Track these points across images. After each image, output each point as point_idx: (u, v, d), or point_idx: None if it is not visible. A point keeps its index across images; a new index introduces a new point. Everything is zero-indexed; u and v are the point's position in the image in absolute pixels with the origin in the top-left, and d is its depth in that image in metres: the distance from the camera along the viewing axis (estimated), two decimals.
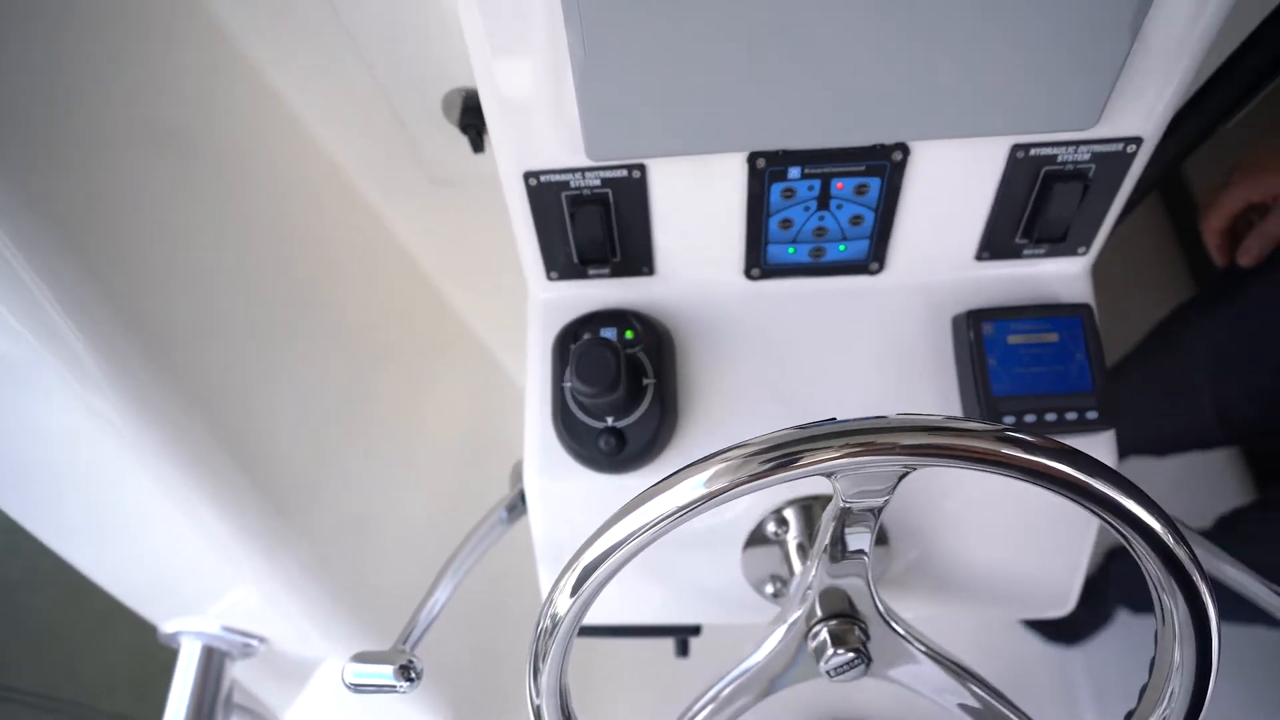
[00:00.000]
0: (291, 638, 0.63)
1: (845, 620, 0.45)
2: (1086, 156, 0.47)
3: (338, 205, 0.67)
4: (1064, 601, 0.59)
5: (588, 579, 0.35)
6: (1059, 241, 0.51)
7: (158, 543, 0.54)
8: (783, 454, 0.32)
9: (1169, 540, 0.32)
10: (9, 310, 0.41)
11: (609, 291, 0.56)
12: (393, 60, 0.55)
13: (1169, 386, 0.96)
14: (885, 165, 0.48)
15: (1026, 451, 0.31)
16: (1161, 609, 0.37)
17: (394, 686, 0.46)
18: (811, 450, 0.31)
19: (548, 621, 0.37)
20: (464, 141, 0.62)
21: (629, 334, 0.53)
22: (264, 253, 0.61)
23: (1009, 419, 0.49)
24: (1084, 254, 0.53)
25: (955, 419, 0.32)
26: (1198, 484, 1.39)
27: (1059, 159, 0.47)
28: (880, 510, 0.37)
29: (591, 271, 0.55)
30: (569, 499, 0.55)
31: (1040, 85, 0.42)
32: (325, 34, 0.52)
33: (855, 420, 0.32)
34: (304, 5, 0.50)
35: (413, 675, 0.46)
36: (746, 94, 0.43)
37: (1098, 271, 0.55)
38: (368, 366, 0.70)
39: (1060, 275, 0.54)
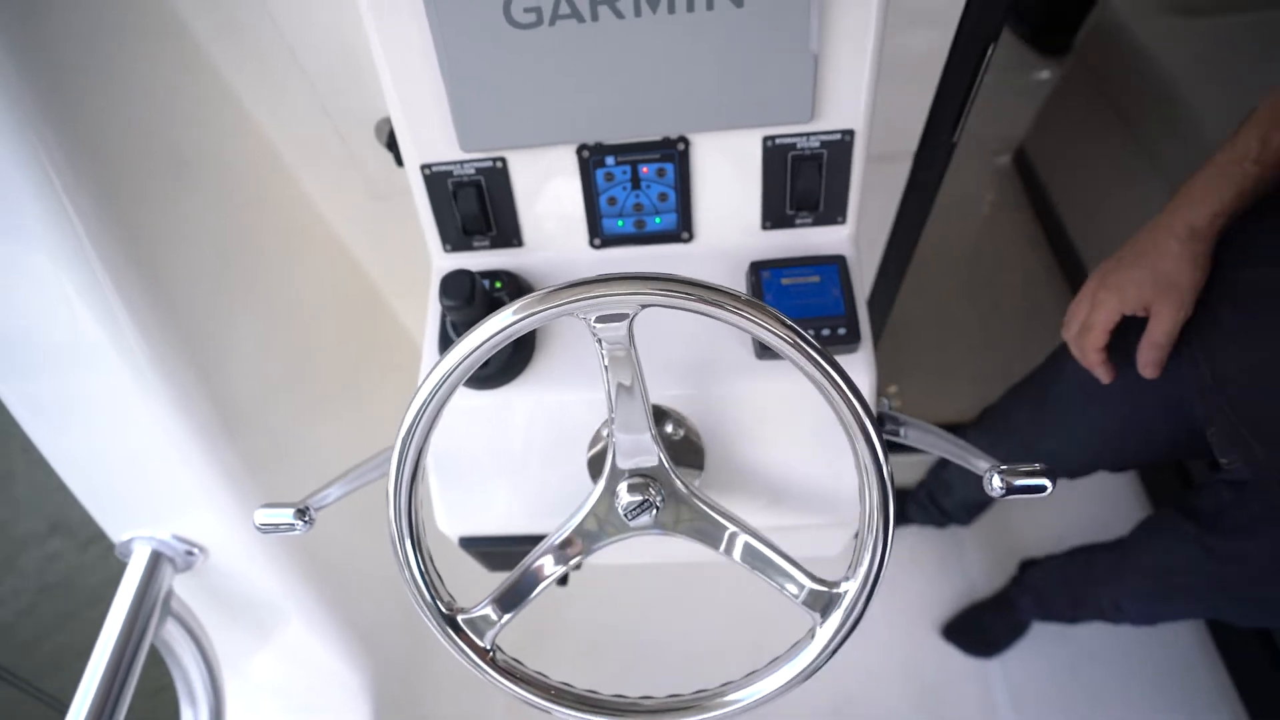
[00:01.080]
0: (226, 550, 0.76)
1: (641, 477, 0.58)
2: (817, 144, 0.65)
3: (297, 213, 0.86)
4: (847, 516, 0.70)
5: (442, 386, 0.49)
6: (817, 210, 0.69)
7: (126, 447, 0.68)
8: (554, 301, 0.47)
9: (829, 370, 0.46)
10: (57, 259, 0.58)
11: (489, 259, 0.74)
12: (336, 94, 0.76)
13: (1048, 414, 1.02)
14: (675, 153, 0.66)
15: (720, 301, 0.46)
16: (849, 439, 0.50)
17: (292, 526, 0.58)
18: (571, 299, 0.47)
19: (405, 430, 0.50)
20: (392, 160, 0.82)
21: (498, 285, 0.70)
22: (239, 239, 0.79)
23: None
24: (843, 223, 0.70)
25: (660, 274, 0.47)
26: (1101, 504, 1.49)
27: (799, 146, 0.65)
28: (630, 344, 0.50)
29: (475, 243, 0.73)
30: (454, 413, 0.69)
31: (769, 91, 0.61)
32: (290, 74, 0.73)
33: (596, 277, 0.47)
34: (272, 49, 0.71)
35: (307, 519, 0.59)
36: (572, 101, 0.63)
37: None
38: (312, 334, 0.87)
39: (826, 239, 0.71)
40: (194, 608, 0.77)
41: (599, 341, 0.51)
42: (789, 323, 0.46)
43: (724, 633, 1.42)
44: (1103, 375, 0.74)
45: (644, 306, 0.48)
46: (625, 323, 0.49)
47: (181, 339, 0.68)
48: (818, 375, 0.47)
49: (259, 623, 0.83)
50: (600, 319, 0.49)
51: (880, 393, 0.71)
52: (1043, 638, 1.40)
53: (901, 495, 1.58)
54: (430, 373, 0.50)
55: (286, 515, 0.59)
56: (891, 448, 0.57)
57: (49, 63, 0.57)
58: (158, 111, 0.70)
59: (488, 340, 0.47)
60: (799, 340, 0.46)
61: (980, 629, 1.44)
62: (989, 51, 0.70)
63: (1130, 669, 1.36)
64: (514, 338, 0.48)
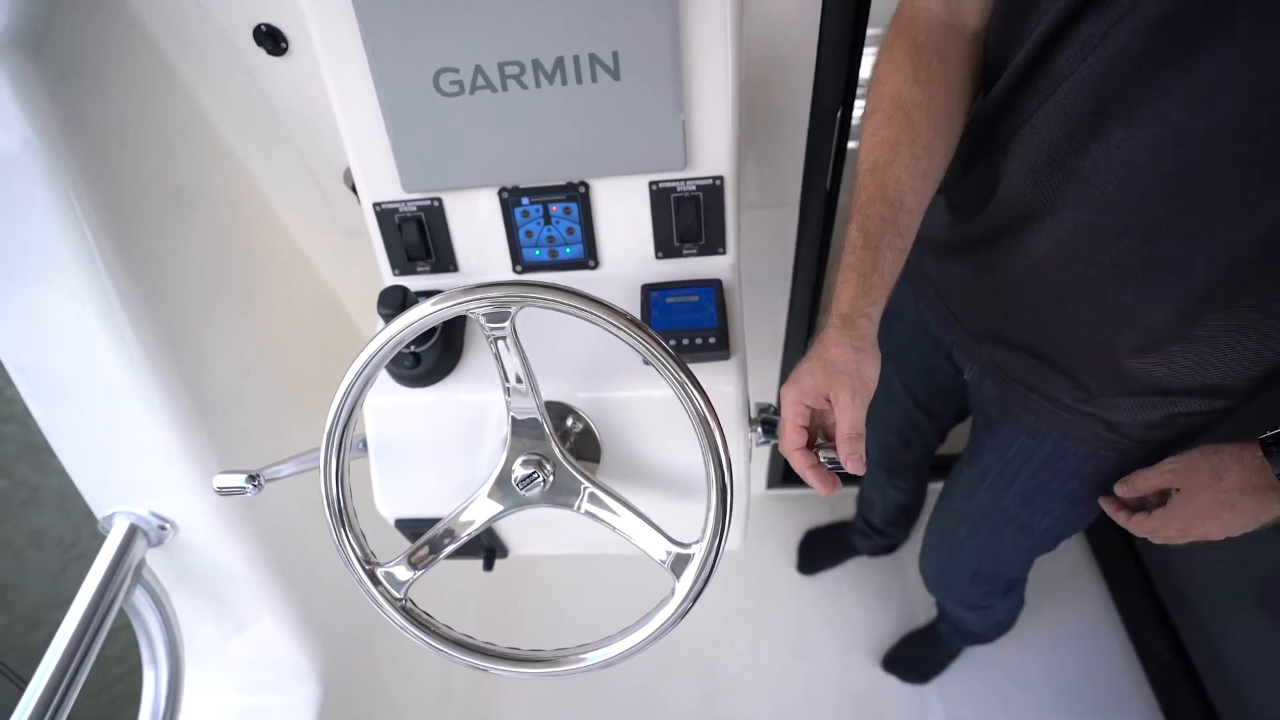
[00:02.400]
0: (194, 526, 0.87)
1: (535, 455, 0.69)
2: (694, 188, 0.79)
3: (276, 243, 1.02)
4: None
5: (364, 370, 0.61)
6: (700, 242, 0.82)
7: (116, 430, 0.81)
8: (452, 302, 0.60)
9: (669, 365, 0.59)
10: (78, 269, 0.73)
11: (430, 281, 0.87)
12: (311, 146, 0.92)
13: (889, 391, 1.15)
14: (578, 195, 0.80)
15: (574, 302, 0.59)
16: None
17: (244, 489, 0.70)
18: (461, 302, 0.60)
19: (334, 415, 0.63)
20: (355, 201, 0.98)
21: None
22: (223, 265, 0.94)
23: None
24: (724, 253, 0.83)
25: (535, 281, 0.60)
26: None
27: (678, 189, 0.79)
28: (511, 337, 0.63)
29: (418, 268, 0.87)
30: (388, 409, 0.82)
31: (648, 144, 0.76)
32: (273, 130, 0.89)
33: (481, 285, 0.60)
34: (258, 110, 0.88)
35: (257, 484, 0.71)
36: (492, 152, 0.77)
37: None
38: (283, 345, 1.01)
39: (710, 266, 0.84)
40: (163, 581, 0.88)
41: (490, 339, 0.63)
42: (609, 304, 0.58)
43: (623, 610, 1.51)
44: (817, 484, 0.65)
45: (521, 307, 0.61)
46: (508, 321, 0.62)
47: (171, 341, 0.82)
48: (637, 344, 0.59)
49: (220, 598, 0.94)
50: (489, 317, 0.62)
51: (765, 410, 0.83)
52: (974, 661, 1.46)
53: (843, 527, 1.66)
54: (358, 356, 0.62)
55: (239, 479, 0.71)
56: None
57: (81, 122, 0.73)
58: (164, 160, 0.86)
59: (400, 333, 0.60)
60: (616, 317, 0.58)
61: (915, 657, 1.51)
62: (839, 115, 0.85)
63: (1059, 687, 1.41)
64: (420, 331, 0.61)
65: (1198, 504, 0.70)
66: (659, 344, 0.59)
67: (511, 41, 0.71)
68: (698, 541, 0.66)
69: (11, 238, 0.71)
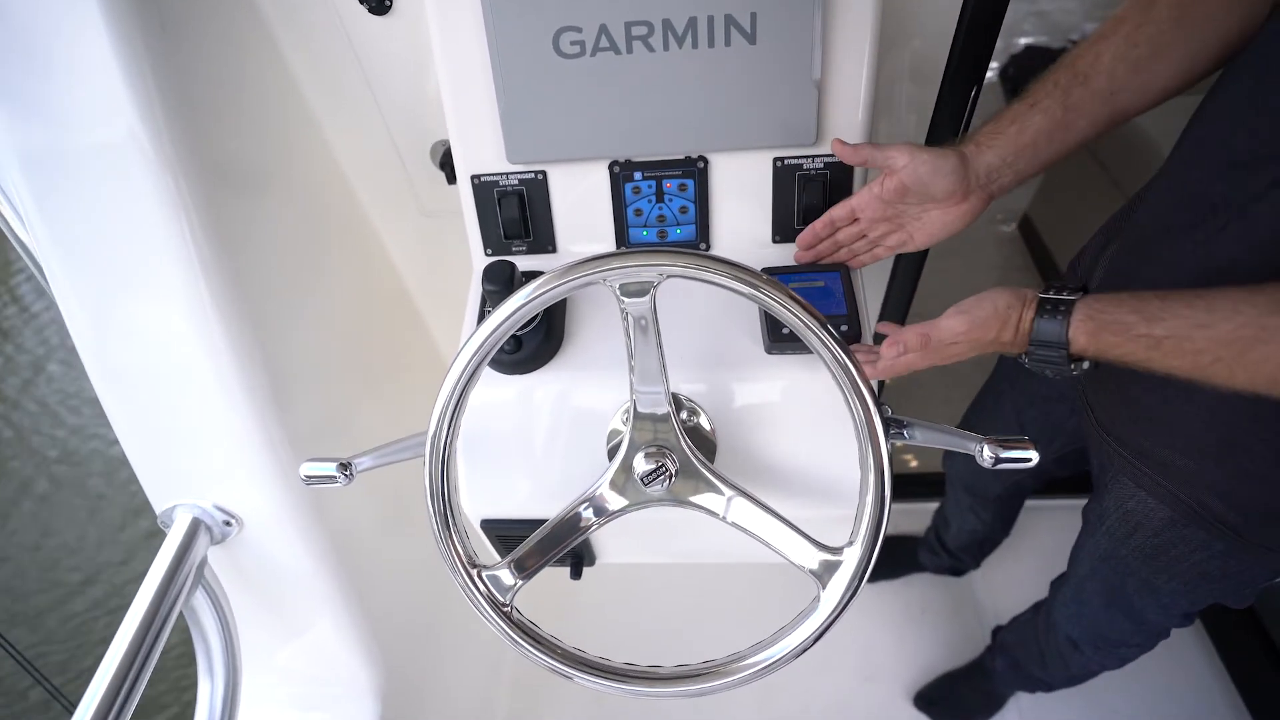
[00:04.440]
0: (260, 523, 0.80)
1: (657, 447, 0.63)
2: (821, 165, 0.73)
3: (354, 225, 0.96)
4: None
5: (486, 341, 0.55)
6: None
7: (186, 415, 0.74)
8: (584, 271, 0.54)
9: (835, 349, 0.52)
10: (177, 263, 0.67)
11: (526, 262, 0.81)
12: (400, 118, 0.86)
13: (988, 399, 1.10)
14: (695, 170, 0.74)
15: (739, 275, 0.52)
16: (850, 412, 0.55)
17: (334, 478, 0.63)
18: (598, 269, 0.53)
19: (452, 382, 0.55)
20: (443, 180, 0.92)
21: None
22: (301, 250, 0.88)
23: (785, 332, 0.70)
24: None
25: (689, 251, 0.54)
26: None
27: (804, 167, 0.73)
28: (652, 316, 0.56)
29: (514, 248, 0.80)
30: (485, 396, 0.75)
31: (778, 117, 0.70)
32: (364, 101, 0.84)
33: (621, 251, 0.54)
34: (351, 79, 0.82)
35: (350, 473, 0.64)
36: (606, 122, 0.72)
37: None
38: (356, 330, 0.94)
39: None
40: (223, 581, 0.81)
41: (625, 314, 0.57)
42: (788, 290, 0.52)
43: (738, 622, 1.43)
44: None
45: (667, 276, 0.54)
46: (649, 295, 0.55)
47: (253, 326, 0.75)
48: (811, 335, 0.53)
49: (282, 604, 0.86)
50: (625, 289, 0.55)
51: (882, 400, 0.76)
52: (1024, 709, 1.36)
53: (912, 542, 1.58)
54: (479, 329, 0.55)
55: (330, 468, 0.64)
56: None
57: (186, 103, 0.68)
58: (256, 136, 0.81)
59: (531, 300, 0.54)
60: (790, 301, 0.52)
61: (955, 699, 1.41)
62: (974, 94, 0.79)
63: None
64: (550, 303, 0.55)
65: (971, 320, 0.64)
66: (829, 331, 0.52)
67: (642, 0, 0.65)
68: (849, 545, 0.59)
69: (107, 219, 0.66)
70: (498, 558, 0.64)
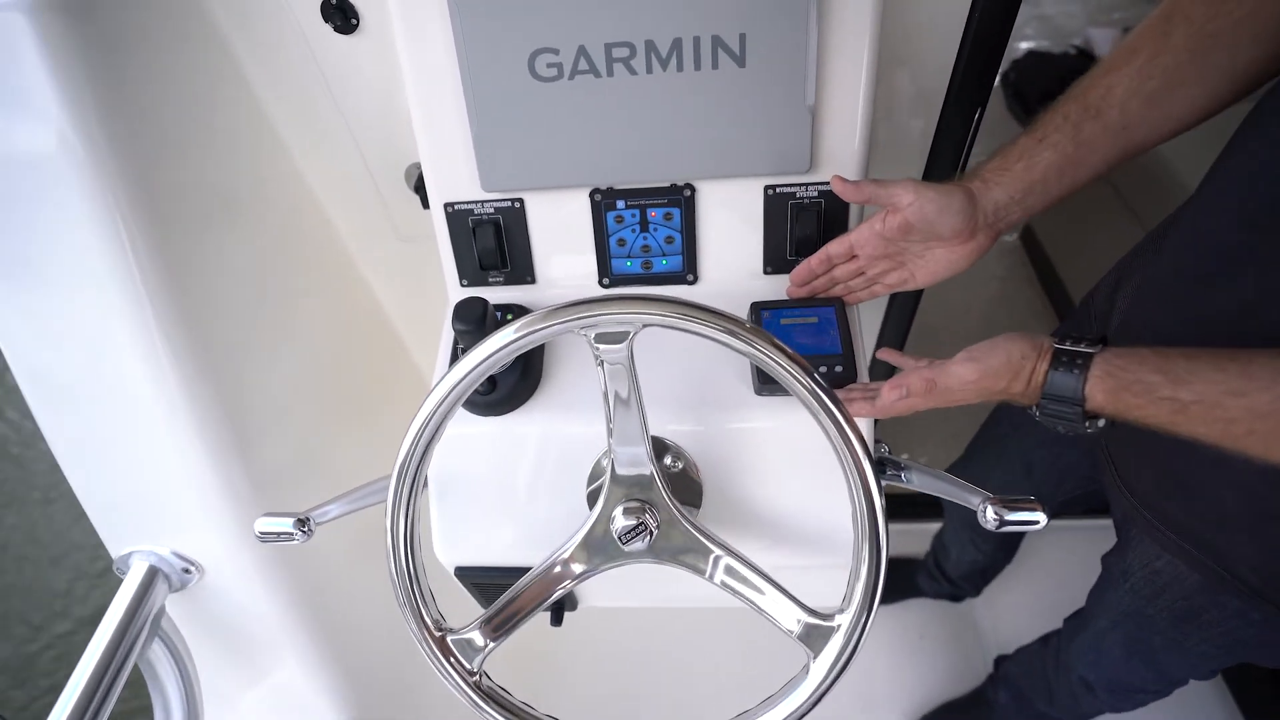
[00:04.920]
0: (222, 571, 0.76)
1: (638, 502, 0.58)
2: (815, 194, 0.69)
3: (327, 251, 0.91)
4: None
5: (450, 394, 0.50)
6: None
7: (139, 458, 0.70)
8: (559, 318, 0.49)
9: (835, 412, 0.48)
10: (118, 293, 0.63)
11: (503, 294, 0.77)
12: (372, 140, 0.82)
13: (990, 445, 1.06)
14: (681, 199, 0.70)
15: (719, 324, 0.48)
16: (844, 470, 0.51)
17: (291, 535, 0.59)
18: (573, 317, 0.49)
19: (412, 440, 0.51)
20: (418, 204, 0.88)
21: (509, 316, 0.73)
22: (271, 279, 0.84)
23: None
24: None
25: (663, 297, 0.49)
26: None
27: (798, 195, 0.69)
28: (630, 363, 0.52)
29: (490, 279, 0.76)
30: (457, 439, 0.71)
31: (770, 143, 0.66)
32: (333, 122, 0.80)
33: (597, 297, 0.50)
34: (319, 99, 0.78)
35: (307, 529, 0.60)
36: (587, 148, 0.68)
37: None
38: (330, 365, 0.90)
39: None
40: (183, 630, 0.77)
41: (600, 363, 0.53)
42: (778, 343, 0.48)
43: (723, 677, 1.37)
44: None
45: (645, 325, 0.50)
46: (626, 343, 0.51)
47: (210, 361, 0.71)
48: (801, 389, 0.49)
49: (246, 650, 0.82)
50: (600, 338, 0.51)
51: (878, 436, 0.72)
52: None
53: (911, 566, 1.53)
54: (439, 382, 0.52)
55: (286, 524, 0.60)
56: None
57: (126, 108, 0.64)
58: (213, 155, 0.76)
59: (495, 353, 0.50)
60: (783, 356, 0.48)
61: None
62: (977, 118, 0.75)
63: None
64: (519, 352, 0.50)
65: (981, 369, 0.58)
66: (824, 388, 0.48)
67: (623, 19, 0.61)
68: (842, 611, 0.54)
69: (41, 243, 0.61)
70: (475, 608, 0.60)
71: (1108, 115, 0.56)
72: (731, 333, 0.48)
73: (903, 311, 0.98)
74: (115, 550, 0.75)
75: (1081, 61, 2.64)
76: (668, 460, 0.68)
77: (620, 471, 0.58)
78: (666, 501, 0.59)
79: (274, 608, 0.80)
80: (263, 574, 0.78)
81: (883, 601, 1.62)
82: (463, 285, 0.77)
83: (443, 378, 0.52)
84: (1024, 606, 1.45)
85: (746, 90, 0.63)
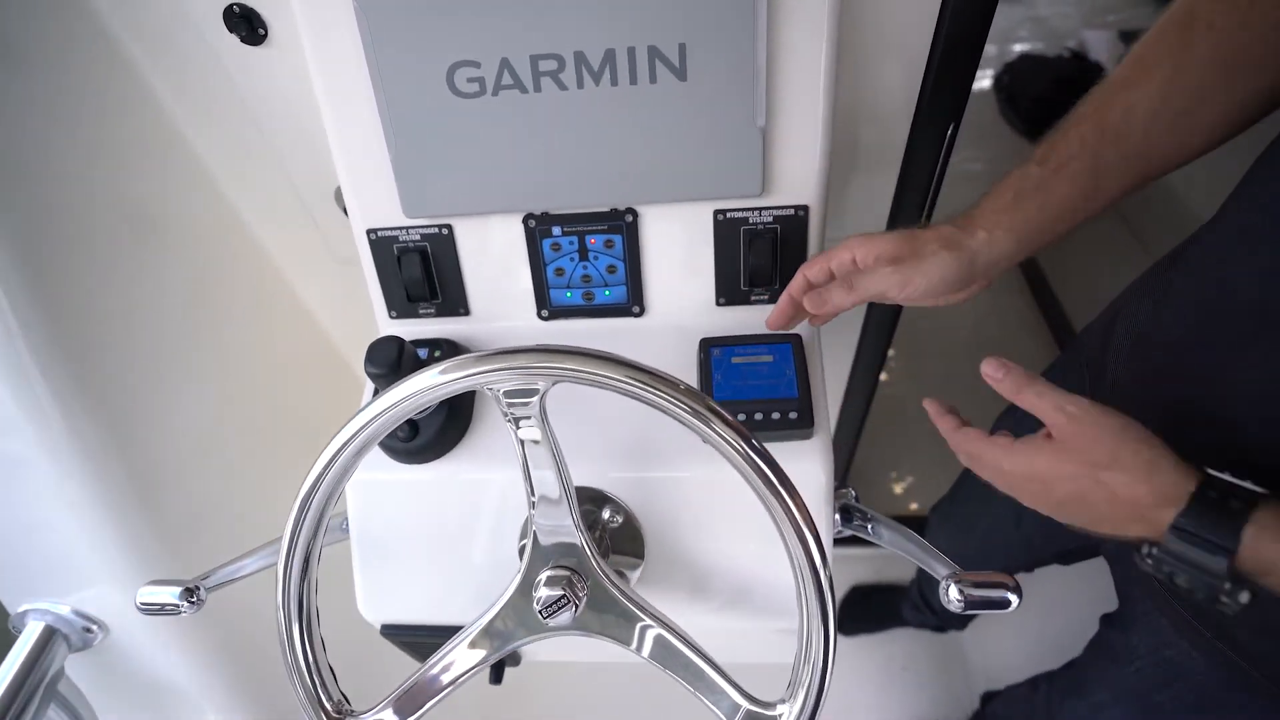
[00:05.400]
0: (129, 629, 0.69)
1: (564, 570, 0.52)
2: (770, 219, 0.63)
3: (258, 275, 0.85)
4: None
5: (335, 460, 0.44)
6: (773, 287, 0.65)
7: (29, 509, 0.64)
8: (457, 374, 0.43)
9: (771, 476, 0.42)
10: None
11: (435, 327, 0.71)
12: (298, 160, 0.76)
13: (976, 492, 0.98)
14: (622, 224, 0.64)
15: (635, 378, 0.42)
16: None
17: (177, 607, 0.53)
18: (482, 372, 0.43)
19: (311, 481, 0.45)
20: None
21: (436, 352, 0.67)
22: (187, 308, 0.78)
23: None
24: None
25: (579, 349, 0.43)
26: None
27: (751, 220, 0.63)
28: (538, 419, 0.46)
29: (421, 310, 0.70)
30: (378, 488, 0.64)
31: (717, 164, 0.60)
32: (254, 140, 0.73)
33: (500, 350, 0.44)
34: (235, 116, 0.72)
35: (195, 600, 0.53)
36: (517, 170, 0.61)
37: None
38: (265, 397, 0.84)
39: None
40: (87, 692, 0.70)
41: (510, 420, 0.46)
42: (711, 404, 0.42)
43: None
44: (783, 305, 0.61)
45: (555, 383, 0.44)
46: (536, 399, 0.45)
47: (107, 399, 0.65)
48: (738, 459, 0.43)
49: (161, 712, 0.76)
50: (510, 394, 0.45)
51: (842, 484, 0.66)
52: None
53: (895, 593, 1.47)
54: (328, 444, 0.46)
55: (171, 594, 0.54)
56: (858, 542, 0.51)
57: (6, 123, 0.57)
58: (116, 178, 0.70)
59: (382, 414, 0.44)
60: (716, 417, 0.42)
61: None
62: (950, 132, 0.69)
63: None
64: (411, 414, 0.44)
65: (1058, 468, 0.46)
66: (758, 451, 0.42)
67: (549, 28, 0.55)
68: (784, 702, 0.48)
69: None
70: (404, 664, 0.54)
71: (1129, 140, 0.48)
72: (655, 391, 0.42)
73: (877, 340, 0.91)
74: (11, 607, 0.69)
75: (1077, 65, 2.58)
76: (606, 514, 0.62)
77: (543, 540, 0.52)
78: (595, 569, 0.53)
79: (190, 665, 0.74)
80: (176, 630, 0.71)
81: (864, 631, 1.56)
82: (392, 317, 0.71)
83: (328, 443, 0.46)
84: (1014, 640, 1.39)
85: (689, 105, 0.57)
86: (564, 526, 0.51)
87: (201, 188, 0.78)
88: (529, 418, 0.46)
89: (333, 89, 0.60)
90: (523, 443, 0.48)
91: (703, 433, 0.42)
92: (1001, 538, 0.93)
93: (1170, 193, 1.49)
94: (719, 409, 0.42)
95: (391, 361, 0.58)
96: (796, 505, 0.43)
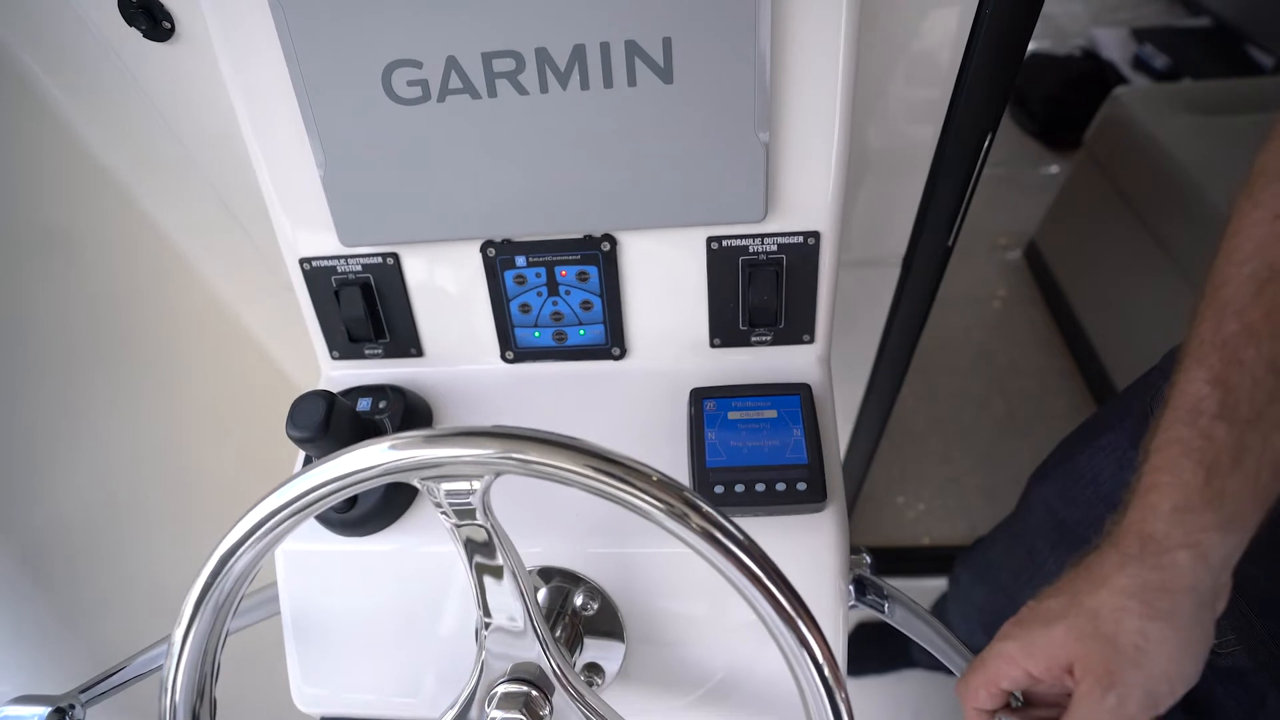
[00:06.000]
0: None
1: (518, 686, 0.43)
2: (774, 248, 0.53)
3: (190, 302, 0.75)
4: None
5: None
6: (777, 326, 0.56)
7: None
8: (368, 465, 0.34)
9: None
10: None
11: (384, 371, 0.61)
12: (226, 177, 0.66)
13: (1019, 555, 0.87)
14: (598, 254, 0.54)
15: (602, 469, 0.32)
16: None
17: None
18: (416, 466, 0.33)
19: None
20: None
21: (381, 403, 0.57)
22: (100, 340, 0.68)
23: (718, 489, 0.50)
24: (810, 342, 0.57)
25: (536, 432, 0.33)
26: None
27: (751, 249, 0.53)
28: (482, 513, 0.36)
29: (367, 351, 0.60)
30: (312, 562, 0.55)
31: (710, 184, 0.50)
32: (168, 147, 0.63)
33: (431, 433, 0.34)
34: (143, 118, 0.62)
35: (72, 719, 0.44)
36: (473, 190, 0.51)
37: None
38: (200, 437, 0.73)
39: (790, 362, 0.57)
40: None
41: (444, 513, 0.37)
42: (701, 503, 0.32)
43: None
44: None
45: (498, 475, 0.34)
46: (474, 494, 0.35)
47: None
48: (738, 577, 0.33)
49: None
50: (440, 488, 0.35)
51: (860, 545, 0.56)
52: None
53: (908, 637, 1.37)
54: (215, 547, 0.36)
55: (38, 714, 0.44)
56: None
57: None
58: (10, 209, 0.60)
59: (266, 525, 0.34)
60: (707, 524, 0.32)
61: None
62: (986, 143, 0.59)
63: None
64: (309, 516, 0.35)
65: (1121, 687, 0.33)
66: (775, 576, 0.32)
67: (504, 21, 0.45)
68: None
69: None
70: None
71: None
72: (624, 487, 0.32)
73: (887, 380, 0.81)
74: None
75: (1089, 64, 2.48)
76: (580, 600, 0.52)
77: (493, 648, 0.42)
78: (558, 680, 0.43)
79: None
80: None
81: (873, 671, 1.44)
82: (334, 358, 0.61)
83: (223, 539, 0.36)
84: None
85: (676, 114, 0.47)
86: (522, 641, 0.41)
87: (108, 202, 0.67)
88: (468, 513, 0.36)
89: (249, 93, 0.50)
90: (460, 542, 0.38)
91: (698, 547, 0.32)
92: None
93: (1192, 186, 1.39)
94: (718, 517, 0.32)
95: (316, 424, 0.48)
96: (825, 656, 0.33)
